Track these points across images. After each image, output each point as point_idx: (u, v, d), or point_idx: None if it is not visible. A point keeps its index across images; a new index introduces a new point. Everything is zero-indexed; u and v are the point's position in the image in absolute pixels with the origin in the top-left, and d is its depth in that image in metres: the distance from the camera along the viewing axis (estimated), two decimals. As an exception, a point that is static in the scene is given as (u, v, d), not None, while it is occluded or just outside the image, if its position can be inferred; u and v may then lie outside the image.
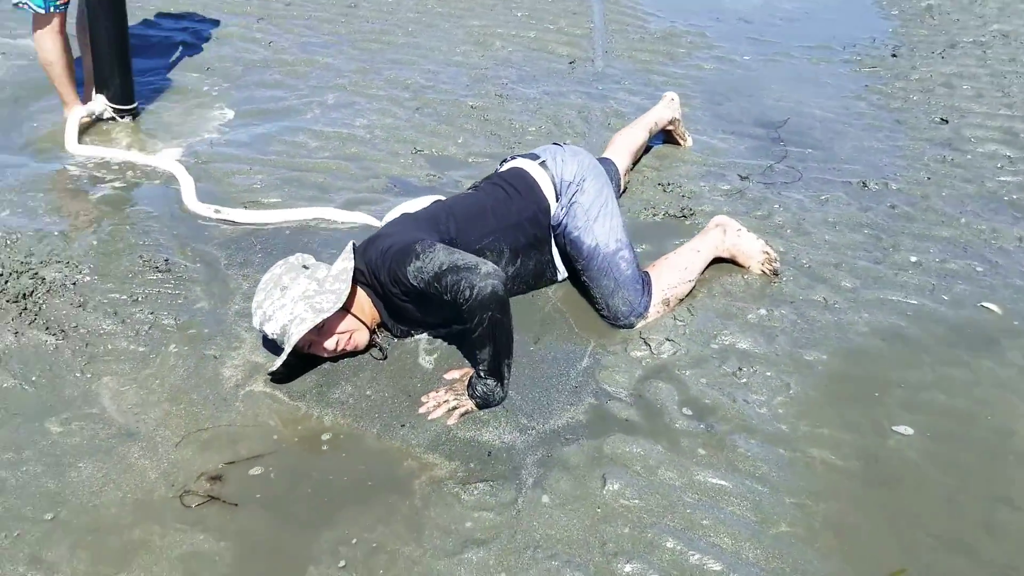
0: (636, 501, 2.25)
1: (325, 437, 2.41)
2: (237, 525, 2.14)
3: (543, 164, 2.96)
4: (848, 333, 2.92)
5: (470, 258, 2.45)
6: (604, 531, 2.16)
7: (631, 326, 2.87)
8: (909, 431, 2.51)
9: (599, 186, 2.92)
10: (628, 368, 2.70)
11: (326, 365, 2.65)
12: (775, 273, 3.17)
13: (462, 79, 4.79)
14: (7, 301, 2.79)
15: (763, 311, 2.98)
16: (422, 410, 2.51)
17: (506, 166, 3.07)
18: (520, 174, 2.97)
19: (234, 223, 3.33)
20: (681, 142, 4.17)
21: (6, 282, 2.85)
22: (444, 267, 2.42)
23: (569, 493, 2.26)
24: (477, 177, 3.68)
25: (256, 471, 2.29)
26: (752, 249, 3.18)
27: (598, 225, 2.86)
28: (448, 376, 2.64)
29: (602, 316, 2.91)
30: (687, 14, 6.20)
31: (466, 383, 2.55)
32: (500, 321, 2.41)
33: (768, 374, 2.71)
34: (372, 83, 4.66)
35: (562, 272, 3.06)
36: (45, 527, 2.11)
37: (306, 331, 2.48)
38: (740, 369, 2.72)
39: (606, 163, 3.48)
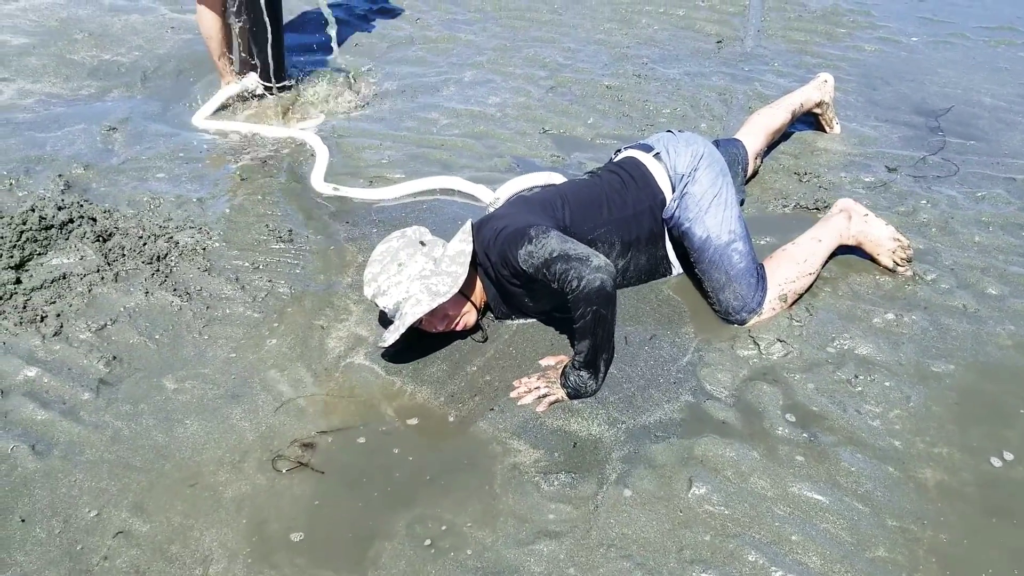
0: (722, 508, 2.14)
1: (415, 413, 2.44)
2: (321, 493, 2.20)
3: (657, 156, 2.85)
4: (987, 345, 2.66)
5: (582, 248, 2.40)
6: (683, 536, 2.08)
7: (743, 322, 2.74)
8: (1009, 458, 2.26)
9: (713, 175, 2.78)
10: (732, 367, 2.58)
11: (426, 341, 2.68)
12: (908, 261, 2.93)
13: (601, 58, 4.69)
14: (143, 262, 2.98)
15: (891, 315, 2.76)
16: (513, 394, 2.49)
17: (619, 156, 2.98)
18: (635, 164, 2.87)
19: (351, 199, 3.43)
20: (828, 128, 3.92)
21: (144, 244, 3.06)
22: (555, 254, 2.38)
23: (652, 493, 2.19)
24: (602, 160, 3.61)
25: (347, 442, 2.35)
26: (881, 236, 2.94)
27: (709, 216, 2.73)
28: (543, 362, 2.61)
29: (714, 310, 2.79)
30: (854, -9, 5.80)
31: (560, 371, 2.51)
32: (604, 316, 2.35)
33: (887, 384, 2.51)
34: (510, 61, 4.65)
35: (676, 268, 2.95)
36: (150, 477, 2.26)
37: (422, 314, 2.50)
38: (856, 376, 2.53)
39: (734, 144, 3.32)
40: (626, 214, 2.77)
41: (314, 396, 2.50)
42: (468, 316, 2.66)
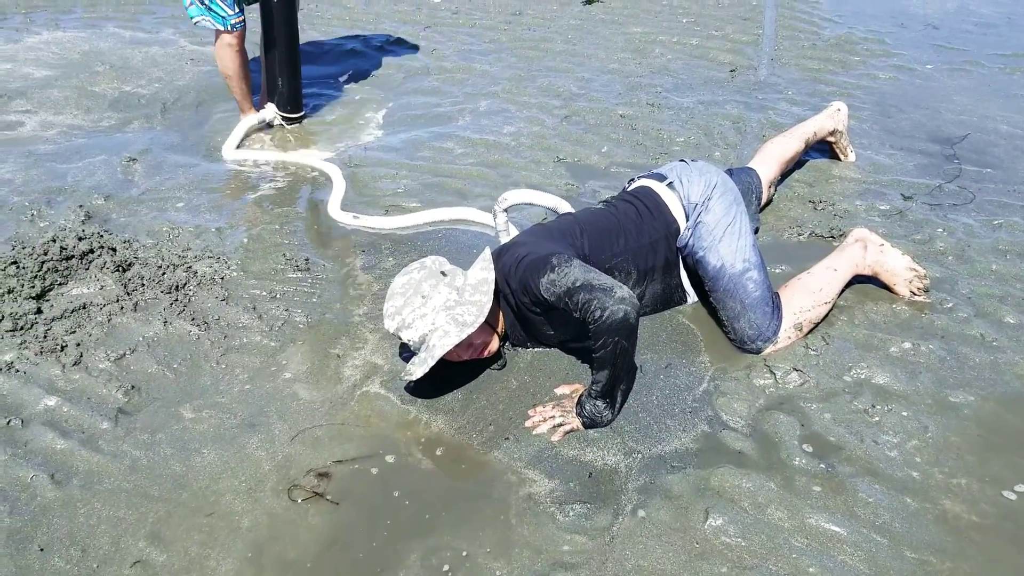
0: (739, 540, 2.13)
1: (430, 443, 2.44)
2: (336, 523, 2.20)
3: (670, 185, 2.86)
4: (1005, 375, 2.64)
5: (606, 279, 2.40)
6: (699, 568, 2.07)
7: (758, 351, 2.73)
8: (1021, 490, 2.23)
9: (726, 204, 2.79)
10: (748, 397, 2.57)
11: (441, 370, 2.68)
12: (925, 291, 2.93)
13: (615, 87, 4.73)
14: (162, 291, 3.02)
15: (908, 344, 2.75)
16: (528, 423, 2.49)
17: (633, 185, 3.00)
18: (649, 193, 2.89)
19: (371, 228, 3.45)
20: (842, 156, 3.93)
21: (163, 274, 3.09)
22: (578, 283, 2.38)
23: (668, 524, 2.18)
24: (617, 188, 3.62)
25: (362, 471, 2.35)
26: (897, 266, 2.94)
27: (723, 245, 2.74)
28: (558, 391, 2.61)
29: (729, 339, 2.79)
30: (867, 19, 5.83)
31: (576, 400, 2.51)
32: (625, 348, 2.35)
33: (905, 414, 2.49)
34: (525, 90, 4.69)
35: (691, 296, 2.95)
36: (167, 506, 2.26)
37: (452, 346, 2.48)
38: (874, 406, 2.52)
39: (747, 173, 3.33)
40: (642, 243, 2.78)
41: (330, 425, 2.51)
42: (491, 344, 2.67)
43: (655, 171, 3.00)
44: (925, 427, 2.45)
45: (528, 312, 2.62)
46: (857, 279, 2.99)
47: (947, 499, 2.24)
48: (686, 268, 2.89)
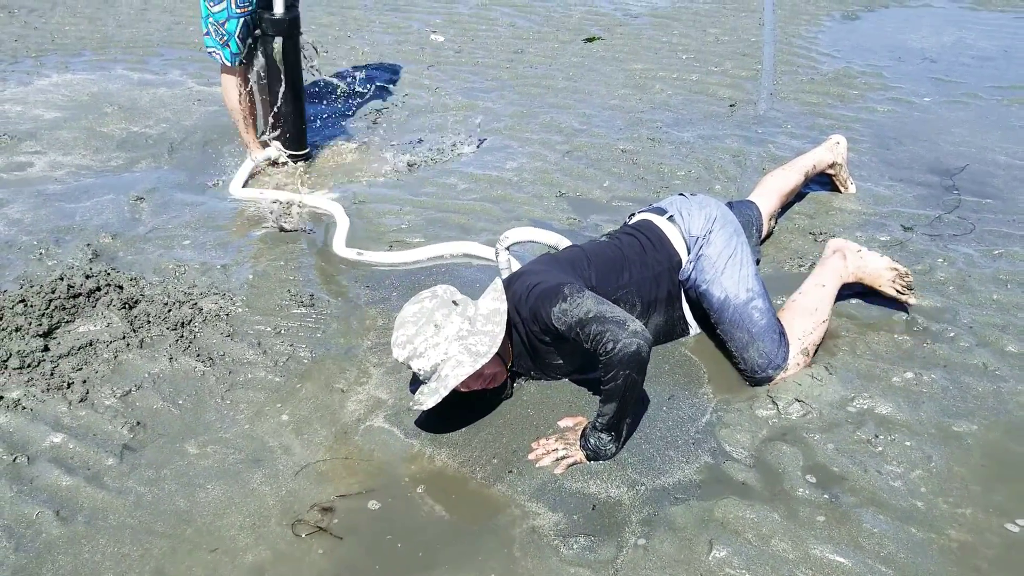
0: (743, 571, 2.12)
1: (434, 476, 2.45)
2: (340, 558, 2.20)
3: (671, 219, 2.89)
4: (1008, 404, 2.64)
5: (619, 311, 2.41)
6: (704, 600, 2.06)
7: (770, 379, 2.74)
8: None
9: (727, 236, 2.82)
10: (751, 427, 2.57)
11: (445, 402, 2.69)
12: (910, 289, 2.98)
13: (616, 123, 4.78)
14: (168, 328, 3.04)
15: (910, 374, 2.75)
16: (531, 456, 2.50)
17: (634, 219, 3.03)
18: (651, 227, 2.92)
19: (375, 264, 3.49)
20: (842, 189, 3.96)
21: (169, 311, 3.12)
22: (591, 315, 2.40)
23: (672, 556, 2.17)
24: (617, 221, 3.65)
25: (365, 506, 2.36)
26: (878, 267, 3.02)
27: (726, 276, 2.76)
28: (561, 423, 2.62)
29: (739, 370, 2.80)
30: (866, 53, 5.90)
31: (579, 432, 2.52)
32: (635, 382, 2.36)
33: (908, 444, 2.49)
34: (527, 127, 4.75)
35: (694, 328, 2.97)
36: (172, 542, 2.27)
37: (465, 376, 2.48)
38: (877, 436, 2.52)
39: (747, 206, 3.36)
40: (646, 275, 2.80)
41: (334, 460, 2.52)
42: (500, 374, 2.67)
43: (656, 205, 3.03)
44: (929, 457, 2.45)
45: (537, 341, 2.63)
46: (847, 294, 3.04)
47: (952, 529, 2.23)
48: (689, 301, 2.91)
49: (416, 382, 2.70)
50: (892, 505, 2.30)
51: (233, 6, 3.89)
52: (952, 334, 2.95)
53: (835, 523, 2.25)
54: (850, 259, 3.04)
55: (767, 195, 3.53)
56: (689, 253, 2.84)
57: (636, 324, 2.36)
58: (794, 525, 2.25)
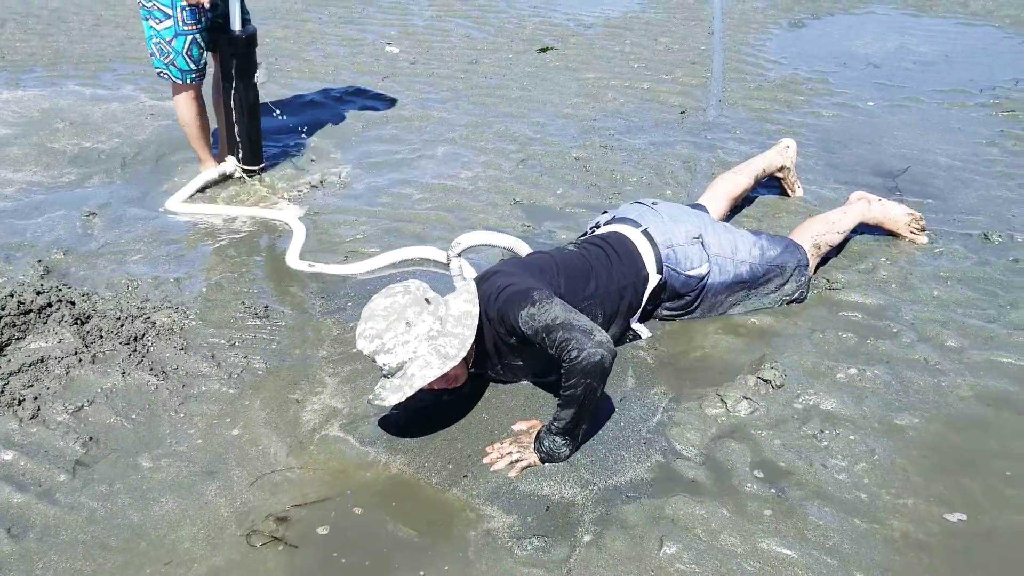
0: (692, 566, 2.17)
1: (389, 483, 2.47)
2: (295, 566, 2.21)
3: (646, 233, 2.95)
4: (948, 397, 2.73)
5: (585, 320, 2.44)
6: (655, 595, 2.10)
7: (806, 278, 3.21)
8: (963, 517, 2.30)
9: (718, 230, 3.12)
10: (701, 426, 2.63)
11: (400, 407, 2.70)
12: (923, 230, 3.58)
13: (569, 131, 4.84)
14: (120, 343, 3.03)
15: (854, 370, 2.83)
16: (485, 460, 2.52)
17: (605, 228, 3.07)
18: (621, 239, 2.96)
19: (328, 275, 3.50)
20: (791, 192, 4.05)
21: (122, 325, 3.10)
22: (558, 321, 2.41)
23: (624, 554, 2.21)
24: (571, 227, 3.71)
25: (320, 514, 2.37)
26: (898, 213, 3.58)
27: (739, 253, 3.09)
28: (515, 427, 2.65)
29: (783, 302, 3.19)
30: (812, 60, 6.04)
31: (533, 436, 2.55)
32: (595, 391, 2.39)
33: (852, 438, 2.57)
34: (482, 136, 4.79)
35: (645, 333, 3.02)
36: (125, 556, 2.26)
37: (433, 378, 2.47)
38: (822, 431, 2.59)
39: (698, 209, 3.43)
40: (611, 288, 2.84)
41: (289, 470, 2.52)
42: (462, 375, 2.67)
43: (626, 216, 3.08)
44: (872, 450, 2.52)
45: (500, 342, 2.65)
46: (863, 230, 3.61)
47: (895, 519, 2.30)
48: (703, 299, 3.09)
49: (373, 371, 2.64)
50: (837, 498, 2.37)
51: (180, 23, 3.86)
52: (895, 330, 3.04)
53: (782, 516, 2.31)
54: (874, 205, 3.56)
55: (717, 198, 3.61)
56: (658, 268, 2.91)
57: (601, 334, 2.39)
58: (742, 520, 2.30)
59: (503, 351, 2.69)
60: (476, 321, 2.59)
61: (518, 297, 2.53)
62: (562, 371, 2.40)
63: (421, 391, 2.56)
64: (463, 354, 2.52)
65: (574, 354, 2.34)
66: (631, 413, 2.69)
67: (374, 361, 2.54)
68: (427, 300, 2.57)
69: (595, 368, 2.34)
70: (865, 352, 2.93)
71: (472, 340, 2.56)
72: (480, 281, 2.74)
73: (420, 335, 2.50)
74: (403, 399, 2.48)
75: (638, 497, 2.38)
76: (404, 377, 2.50)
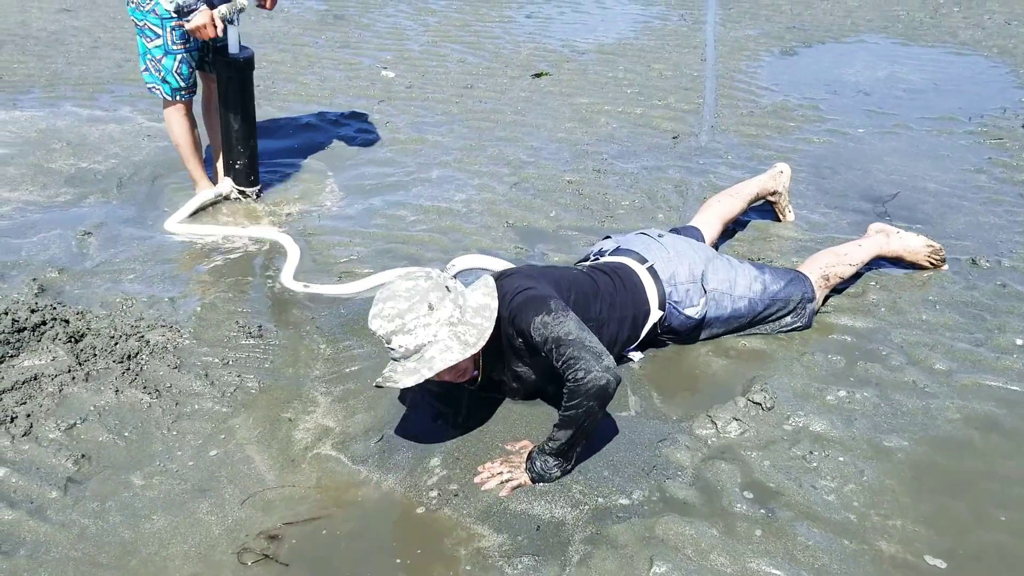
0: (682, 586, 2.18)
1: (381, 502, 2.47)
2: (286, 584, 2.22)
3: (651, 270, 2.98)
4: (936, 419, 2.75)
5: (597, 342, 2.44)
6: (645, 615, 2.11)
7: (813, 310, 3.20)
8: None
9: (719, 265, 3.10)
10: (691, 446, 2.65)
11: (392, 426, 2.72)
12: (943, 261, 3.58)
13: (563, 155, 4.89)
14: (114, 361, 3.04)
15: (843, 392, 2.85)
16: (476, 480, 2.53)
17: (611, 258, 3.08)
18: (629, 272, 2.98)
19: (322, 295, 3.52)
20: (782, 217, 4.09)
21: (116, 344, 3.11)
22: (571, 337, 2.41)
23: (614, 573, 2.22)
24: (564, 250, 3.75)
25: (311, 532, 2.37)
26: (917, 244, 3.56)
27: (738, 288, 3.08)
28: (507, 447, 2.66)
29: (790, 330, 3.20)
30: (803, 87, 6.12)
31: (524, 456, 2.56)
32: (595, 415, 2.40)
33: (841, 459, 2.58)
34: (476, 159, 4.83)
35: (636, 358, 3.04)
36: (116, 574, 2.26)
37: (453, 362, 2.44)
38: (811, 453, 2.61)
39: (692, 231, 3.46)
40: (614, 316, 2.86)
41: (281, 488, 2.53)
42: (470, 369, 2.64)
43: (631, 248, 3.09)
44: (861, 471, 2.54)
45: (509, 342, 2.63)
46: (879, 264, 3.60)
47: (883, 541, 2.32)
48: (699, 332, 3.12)
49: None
50: (826, 518, 2.38)
51: (169, 43, 3.90)
52: (884, 353, 3.07)
53: (771, 537, 2.32)
54: (892, 239, 3.54)
55: (710, 221, 3.65)
56: (661, 305, 2.94)
57: (610, 359, 2.40)
58: (732, 540, 2.31)
59: (510, 353, 2.66)
60: (495, 314, 2.56)
61: (535, 302, 2.52)
62: (565, 390, 2.40)
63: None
64: (482, 343, 2.50)
65: (581, 374, 2.35)
66: (622, 434, 2.70)
67: (388, 343, 2.48)
68: (448, 288, 2.53)
69: (599, 392, 2.35)
70: (855, 375, 2.95)
71: (490, 332, 2.53)
72: (499, 277, 2.72)
73: (442, 319, 2.46)
74: (420, 381, 2.43)
75: (628, 517, 2.39)
76: (422, 360, 2.45)
